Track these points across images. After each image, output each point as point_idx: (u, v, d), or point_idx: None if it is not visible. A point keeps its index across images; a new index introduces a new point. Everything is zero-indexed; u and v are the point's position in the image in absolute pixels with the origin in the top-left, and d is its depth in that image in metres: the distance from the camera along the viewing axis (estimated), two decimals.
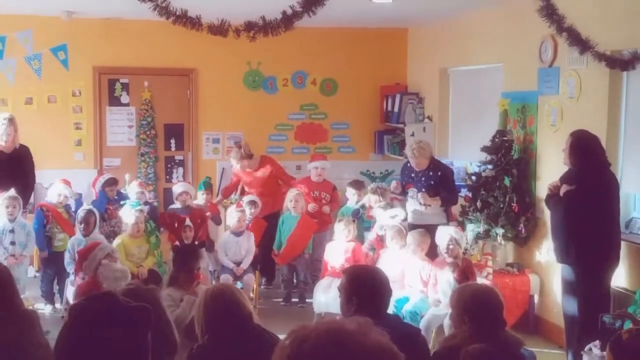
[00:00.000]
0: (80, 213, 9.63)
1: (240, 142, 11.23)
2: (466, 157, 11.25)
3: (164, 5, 5.70)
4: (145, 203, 10.42)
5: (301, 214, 10.45)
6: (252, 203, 10.49)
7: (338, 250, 9.54)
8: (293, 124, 13.24)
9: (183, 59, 12.63)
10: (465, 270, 8.29)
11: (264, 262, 10.76)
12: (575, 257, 7.47)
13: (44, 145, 11.55)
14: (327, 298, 9.00)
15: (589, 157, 7.44)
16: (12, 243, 9.44)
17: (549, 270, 9.00)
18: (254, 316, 5.11)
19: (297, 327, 1.95)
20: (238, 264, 10.00)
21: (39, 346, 2.28)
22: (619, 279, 7.75)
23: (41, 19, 11.81)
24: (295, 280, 10.68)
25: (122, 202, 10.31)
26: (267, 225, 10.56)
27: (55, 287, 10.06)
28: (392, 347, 1.90)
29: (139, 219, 9.55)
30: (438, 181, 9.58)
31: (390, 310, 6.55)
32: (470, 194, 9.74)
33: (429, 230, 9.00)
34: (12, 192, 9.50)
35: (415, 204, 9.63)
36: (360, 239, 10.05)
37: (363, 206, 10.55)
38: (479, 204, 9.46)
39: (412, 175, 9.77)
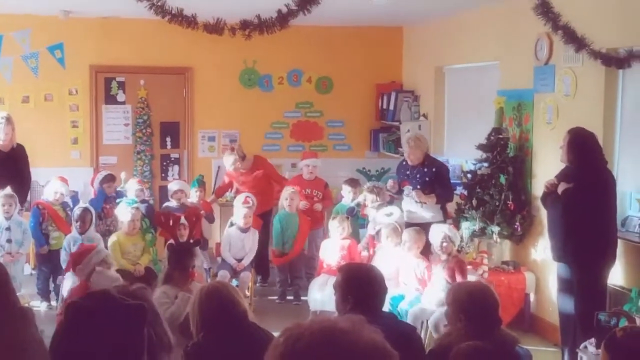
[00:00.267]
0: (77, 211, 9.64)
1: (233, 145, 11.21)
2: (462, 155, 11.25)
3: (159, 4, 5.71)
4: (143, 201, 10.41)
5: (297, 212, 10.47)
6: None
7: (333, 248, 9.53)
8: (289, 122, 13.23)
9: (179, 58, 12.61)
10: (453, 269, 8.29)
11: (258, 260, 10.75)
12: (572, 255, 7.46)
13: (40, 144, 11.57)
14: (322, 296, 8.98)
15: (586, 154, 7.43)
16: (9, 241, 9.45)
17: (545, 268, 9.01)
18: (249, 314, 5.12)
19: (291, 325, 1.94)
20: (239, 260, 10.01)
21: (33, 343, 2.28)
22: (615, 276, 7.74)
23: (38, 18, 11.81)
24: (289, 279, 10.69)
25: (117, 200, 10.29)
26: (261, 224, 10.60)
27: (52, 285, 10.06)
28: (386, 345, 1.90)
29: (135, 217, 9.54)
30: (433, 177, 9.58)
31: (386, 308, 6.54)
32: (465, 192, 9.73)
33: (426, 228, 8.99)
34: (8, 190, 9.50)
35: (411, 202, 9.63)
36: (355, 236, 10.04)
37: (358, 204, 10.55)
38: (474, 201, 9.45)
39: (407, 172, 9.78)
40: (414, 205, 9.61)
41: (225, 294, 5.01)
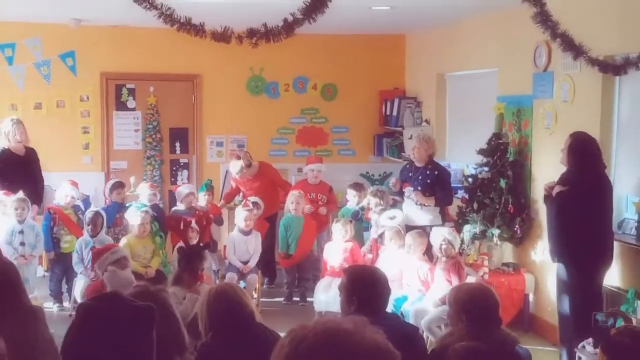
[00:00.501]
0: (88, 214, 9.66)
1: (239, 153, 11.19)
2: (463, 160, 11.25)
3: (168, 13, 5.70)
4: (153, 205, 10.40)
5: (303, 215, 10.47)
6: (255, 204, 10.49)
7: (336, 250, 9.53)
8: (294, 128, 13.25)
9: (187, 65, 12.63)
10: (450, 270, 8.31)
11: (265, 262, 10.77)
12: (568, 256, 7.46)
13: (53, 149, 11.61)
14: (327, 297, 8.99)
15: (586, 158, 7.41)
16: (22, 244, 9.46)
17: (544, 269, 9.00)
18: (257, 315, 5.12)
19: (296, 327, 1.95)
20: (245, 262, 10.01)
21: (43, 341, 2.29)
22: (612, 278, 7.73)
23: (50, 27, 11.83)
24: (297, 280, 10.69)
25: (127, 205, 10.29)
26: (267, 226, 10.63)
27: (64, 287, 10.08)
28: (388, 346, 1.90)
29: (145, 220, 9.54)
30: (434, 180, 9.60)
31: (389, 309, 6.55)
32: (467, 196, 9.73)
33: (425, 231, 9.01)
34: (20, 194, 9.52)
35: (411, 203, 9.65)
36: (359, 239, 10.05)
37: (362, 207, 10.55)
38: (475, 205, 9.45)
39: (410, 174, 9.81)
40: (414, 206, 9.63)
41: (233, 295, 5.02)
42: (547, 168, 8.70)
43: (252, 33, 5.89)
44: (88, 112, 12.53)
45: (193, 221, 9.83)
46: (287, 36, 5.86)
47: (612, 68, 7.51)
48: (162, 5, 5.66)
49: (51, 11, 10.73)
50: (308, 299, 10.18)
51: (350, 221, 9.93)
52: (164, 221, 10.26)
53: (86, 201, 10.92)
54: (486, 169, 9.45)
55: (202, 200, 10.86)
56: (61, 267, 9.94)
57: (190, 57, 12.31)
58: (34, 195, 9.95)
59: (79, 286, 9.18)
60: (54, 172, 11.14)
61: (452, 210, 10.05)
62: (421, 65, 12.76)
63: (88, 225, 9.55)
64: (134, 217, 9.60)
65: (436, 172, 9.66)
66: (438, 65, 12.06)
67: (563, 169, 7.61)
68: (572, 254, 7.42)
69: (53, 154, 11.50)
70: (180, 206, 10.58)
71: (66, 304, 9.90)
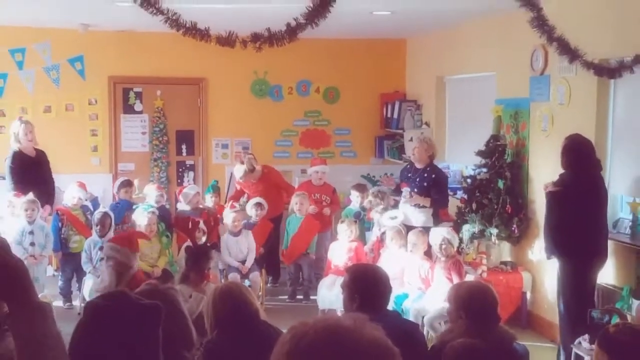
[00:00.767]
0: (97, 215, 9.67)
1: (243, 157, 11.17)
2: (462, 161, 11.26)
3: (174, 18, 5.70)
4: (160, 206, 10.39)
5: (305, 215, 10.47)
6: (259, 205, 10.49)
7: (341, 250, 9.55)
8: (298, 130, 13.26)
9: (193, 69, 12.64)
10: (451, 269, 8.31)
11: (269, 262, 10.77)
12: (563, 253, 7.49)
13: (62, 151, 11.61)
14: (330, 295, 8.99)
15: (581, 160, 7.41)
16: (32, 244, 9.48)
17: (541, 267, 9.00)
18: (261, 313, 5.12)
19: (297, 324, 1.94)
20: (242, 262, 10.00)
21: (50, 337, 2.28)
22: (607, 276, 7.73)
23: (59, 32, 11.85)
24: (300, 279, 10.68)
25: (134, 206, 10.30)
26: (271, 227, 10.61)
27: (75, 286, 10.08)
28: (387, 342, 1.89)
29: (151, 221, 9.54)
30: (431, 183, 9.60)
31: (390, 306, 6.54)
32: (465, 196, 9.73)
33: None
34: (30, 195, 9.54)
35: (406, 203, 9.64)
36: (362, 238, 10.06)
37: (364, 208, 10.55)
38: (474, 205, 9.45)
39: (409, 175, 9.82)
40: (409, 206, 9.63)
41: (238, 294, 5.02)
42: (544, 169, 8.70)
43: (256, 37, 5.89)
44: (96, 115, 12.56)
45: (201, 222, 9.82)
46: (290, 40, 5.86)
47: (607, 71, 7.50)
48: (168, 11, 5.66)
49: (60, 17, 10.74)
50: (311, 297, 10.18)
51: (355, 221, 9.94)
52: (170, 222, 10.27)
53: (95, 202, 10.92)
54: (484, 170, 9.45)
55: (209, 201, 10.86)
56: (71, 267, 9.96)
57: (196, 61, 12.31)
58: (46, 196, 9.98)
59: (88, 285, 9.19)
60: (63, 174, 11.13)
61: (452, 210, 10.04)
62: (421, 69, 12.76)
63: (97, 225, 9.56)
64: (140, 218, 9.60)
65: (434, 176, 9.66)
66: (438, 69, 12.06)
67: (560, 170, 7.61)
68: (567, 252, 7.43)
69: (62, 156, 11.50)
70: (185, 207, 10.56)
71: (75, 302, 9.90)
